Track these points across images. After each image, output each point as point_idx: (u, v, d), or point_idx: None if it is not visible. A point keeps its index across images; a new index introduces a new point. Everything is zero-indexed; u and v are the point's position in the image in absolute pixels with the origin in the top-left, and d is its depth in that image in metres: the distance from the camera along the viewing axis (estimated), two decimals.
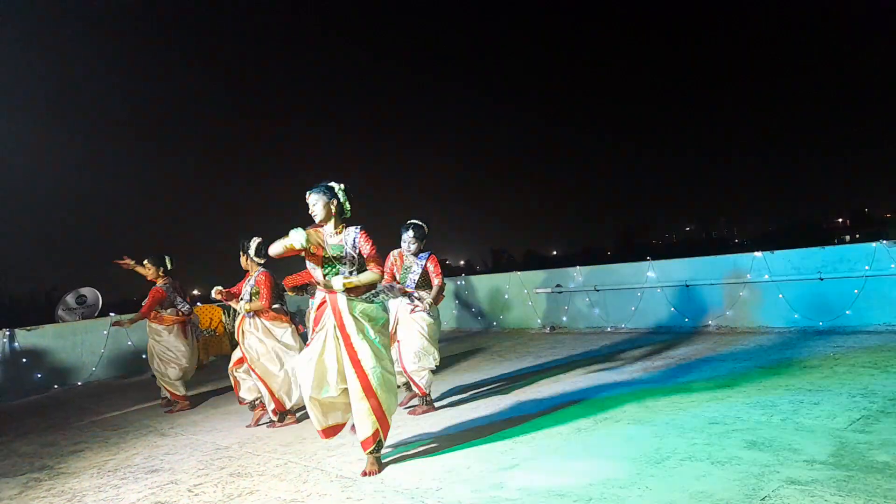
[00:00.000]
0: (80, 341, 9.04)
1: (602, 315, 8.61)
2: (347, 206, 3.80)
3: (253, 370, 5.07)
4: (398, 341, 4.92)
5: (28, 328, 8.81)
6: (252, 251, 5.23)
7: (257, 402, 5.25)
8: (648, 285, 8.15)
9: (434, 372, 5.08)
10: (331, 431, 3.81)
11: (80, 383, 8.82)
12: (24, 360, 8.54)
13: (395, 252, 5.04)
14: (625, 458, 3.39)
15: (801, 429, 3.53)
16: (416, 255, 4.97)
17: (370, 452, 3.61)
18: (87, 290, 10.75)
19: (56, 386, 8.64)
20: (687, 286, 7.77)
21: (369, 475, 3.56)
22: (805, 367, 5.01)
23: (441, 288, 4.97)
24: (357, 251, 3.69)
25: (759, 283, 7.21)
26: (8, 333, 8.55)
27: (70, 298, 10.60)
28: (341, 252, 3.68)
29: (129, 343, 9.27)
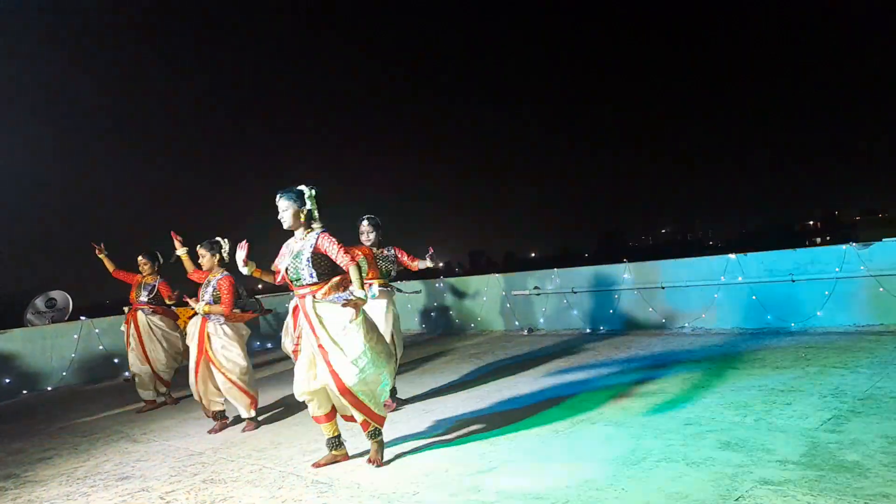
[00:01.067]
0: (49, 345, 8.83)
1: (580, 316, 8.66)
2: (316, 214, 3.79)
3: (223, 374, 5.01)
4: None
5: None
6: (225, 252, 5.19)
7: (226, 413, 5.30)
8: (625, 287, 8.21)
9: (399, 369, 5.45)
10: (324, 418, 3.85)
11: (49, 388, 8.61)
12: None
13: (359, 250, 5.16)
14: (602, 459, 3.40)
15: (774, 429, 3.58)
16: (376, 246, 5.25)
17: (370, 437, 3.75)
18: (56, 294, 10.53)
19: (24, 391, 8.43)
20: (663, 288, 7.85)
21: (374, 463, 3.70)
22: (778, 368, 5.08)
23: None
24: (312, 251, 3.67)
25: (733, 285, 7.30)
26: None
27: (39, 302, 10.36)
28: (299, 256, 3.70)
29: (101, 347, 9.08)
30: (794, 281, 6.84)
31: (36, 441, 5.54)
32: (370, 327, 3.73)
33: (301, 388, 3.75)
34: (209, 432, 5.10)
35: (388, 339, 5.01)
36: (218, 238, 5.26)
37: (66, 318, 10.17)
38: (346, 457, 3.90)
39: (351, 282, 3.65)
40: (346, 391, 3.58)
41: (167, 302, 6.43)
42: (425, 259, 5.34)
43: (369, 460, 3.72)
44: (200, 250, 5.21)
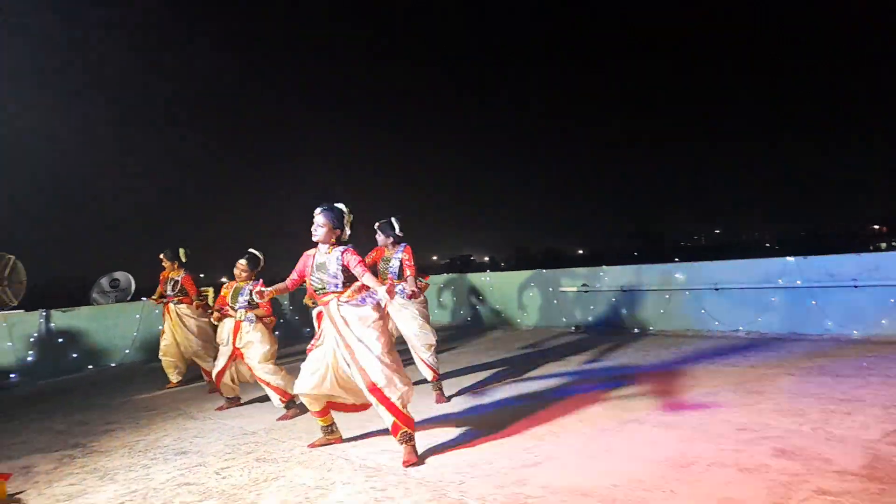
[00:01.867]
0: (112, 324, 9.26)
1: (628, 316, 8.54)
2: (347, 233, 3.98)
3: (253, 373, 5.28)
4: (395, 333, 5.21)
5: (63, 310, 9.04)
6: (259, 263, 5.58)
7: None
8: (677, 287, 8.05)
9: (438, 353, 5.42)
10: (318, 413, 4.11)
11: (112, 365, 9.04)
12: (60, 340, 8.78)
13: (375, 249, 5.50)
14: (649, 460, 3.36)
15: (832, 439, 3.47)
16: (385, 246, 5.40)
17: (400, 442, 3.69)
18: (120, 274, 10.98)
19: (90, 367, 8.87)
20: (717, 289, 7.66)
21: (407, 465, 3.59)
22: (837, 377, 4.91)
23: (414, 277, 5.25)
24: (341, 266, 3.84)
25: (791, 289, 7.07)
26: (44, 314, 8.79)
27: (104, 282, 10.84)
28: (324, 269, 3.88)
29: (160, 327, 9.43)
30: (856, 287, 6.58)
31: (100, 414, 5.83)
32: (388, 335, 3.87)
33: (303, 387, 3.89)
34: (217, 409, 5.54)
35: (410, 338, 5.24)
36: (254, 251, 5.58)
37: (128, 298, 10.61)
38: (340, 440, 4.20)
39: (368, 287, 3.83)
40: (374, 389, 3.65)
41: (193, 297, 6.89)
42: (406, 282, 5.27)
43: (404, 462, 3.62)
44: (242, 264, 5.49)
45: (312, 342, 3.99)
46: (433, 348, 5.24)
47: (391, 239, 5.35)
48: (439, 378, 5.27)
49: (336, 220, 3.91)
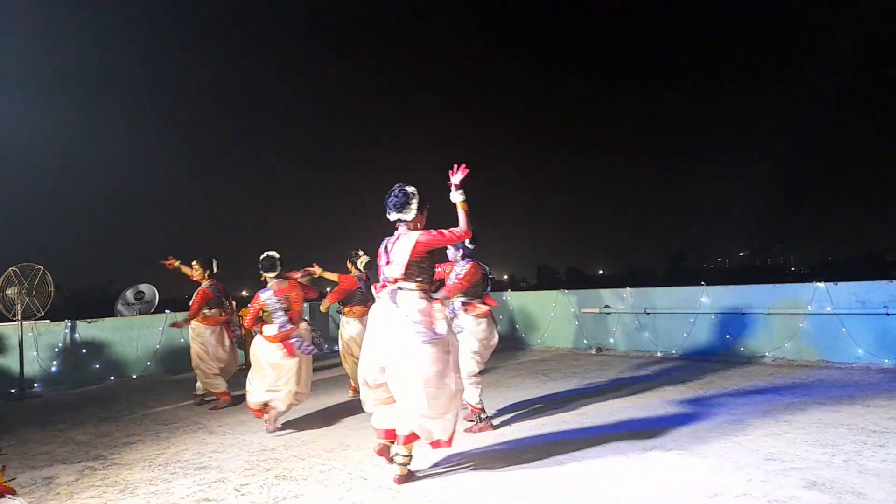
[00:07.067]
0: (136, 336, 9.36)
1: (652, 339, 8.42)
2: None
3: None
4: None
5: (89, 320, 9.16)
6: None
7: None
8: (702, 311, 7.93)
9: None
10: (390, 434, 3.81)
11: (134, 376, 9.12)
12: (84, 350, 8.89)
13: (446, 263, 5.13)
14: (676, 490, 3.28)
15: (865, 471, 3.36)
16: (455, 261, 5.04)
17: (408, 451, 3.68)
18: (145, 287, 11.12)
19: (112, 378, 8.95)
20: (742, 314, 7.53)
21: (400, 482, 3.63)
22: (869, 407, 4.77)
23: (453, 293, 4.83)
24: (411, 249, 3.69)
25: (820, 315, 6.93)
26: (70, 325, 8.92)
27: (129, 294, 10.98)
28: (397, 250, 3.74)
29: (182, 340, 9.52)
30: (888, 314, 6.42)
31: (121, 426, 5.86)
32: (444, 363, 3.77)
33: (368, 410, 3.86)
34: (268, 431, 5.22)
35: None
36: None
37: (152, 311, 10.73)
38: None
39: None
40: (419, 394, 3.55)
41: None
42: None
43: (398, 480, 3.66)
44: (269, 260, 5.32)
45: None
46: (473, 384, 4.82)
47: (460, 252, 5.02)
48: (480, 411, 4.88)
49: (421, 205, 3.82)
